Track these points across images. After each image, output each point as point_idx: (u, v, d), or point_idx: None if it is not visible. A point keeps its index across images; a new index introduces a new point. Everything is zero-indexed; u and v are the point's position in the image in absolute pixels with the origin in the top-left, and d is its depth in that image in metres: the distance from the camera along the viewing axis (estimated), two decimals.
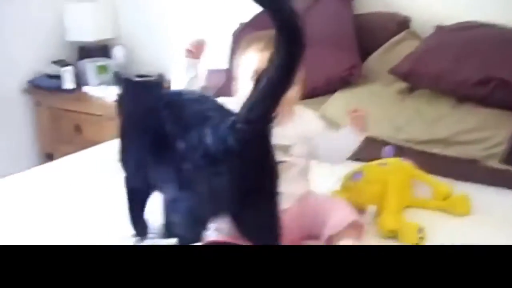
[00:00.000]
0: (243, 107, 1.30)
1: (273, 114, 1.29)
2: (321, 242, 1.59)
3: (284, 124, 1.63)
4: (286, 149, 1.60)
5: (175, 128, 1.42)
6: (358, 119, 1.65)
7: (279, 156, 1.56)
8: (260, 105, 1.28)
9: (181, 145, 1.38)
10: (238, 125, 1.29)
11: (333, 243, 1.55)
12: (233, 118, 1.31)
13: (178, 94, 1.60)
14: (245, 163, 1.31)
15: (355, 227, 1.56)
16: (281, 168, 1.56)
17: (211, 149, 1.30)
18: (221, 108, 1.42)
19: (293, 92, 1.60)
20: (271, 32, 1.57)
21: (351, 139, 1.67)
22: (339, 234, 1.54)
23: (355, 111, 1.65)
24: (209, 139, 1.32)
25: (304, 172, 1.67)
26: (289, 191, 1.61)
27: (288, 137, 1.61)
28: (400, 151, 2.08)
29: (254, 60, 1.59)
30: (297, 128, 1.64)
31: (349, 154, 1.70)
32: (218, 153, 1.30)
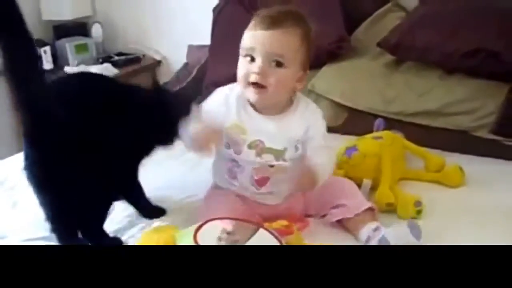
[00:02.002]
0: None
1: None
2: (327, 221, 1.59)
3: (285, 114, 1.57)
4: (279, 153, 1.55)
5: None
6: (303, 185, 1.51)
7: (271, 161, 1.54)
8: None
9: None
10: None
11: (345, 225, 1.57)
12: None
13: None
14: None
15: (368, 211, 1.56)
16: (273, 171, 1.56)
17: None
18: None
19: (290, 78, 1.52)
20: (270, 10, 1.53)
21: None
22: (353, 218, 1.54)
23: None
24: None
25: (297, 171, 1.57)
26: (281, 190, 1.60)
27: (281, 141, 1.55)
28: (391, 123, 2.09)
29: (244, 38, 1.53)
30: (293, 129, 1.56)
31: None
32: None
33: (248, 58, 1.49)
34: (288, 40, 1.47)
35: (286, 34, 1.46)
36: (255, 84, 1.48)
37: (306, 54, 1.52)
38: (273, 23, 1.47)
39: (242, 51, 1.51)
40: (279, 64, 1.47)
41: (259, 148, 1.54)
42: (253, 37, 1.49)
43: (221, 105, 1.56)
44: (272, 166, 1.55)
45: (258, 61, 1.47)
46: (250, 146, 1.54)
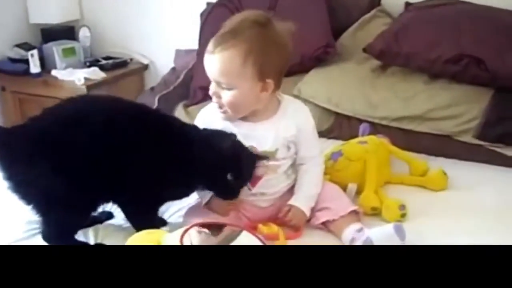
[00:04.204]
0: None
1: None
2: (312, 224, 1.62)
3: (274, 117, 1.60)
4: (271, 154, 1.58)
5: None
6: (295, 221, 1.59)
7: (264, 162, 1.56)
8: None
9: None
10: None
11: (329, 228, 1.59)
12: None
13: None
14: None
15: (353, 214, 1.59)
16: (265, 171, 1.58)
17: None
18: None
19: (243, 96, 1.52)
20: (225, 29, 1.51)
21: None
22: (338, 220, 1.56)
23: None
24: None
25: (290, 170, 1.65)
26: (274, 191, 1.63)
27: (272, 142, 1.58)
28: (376, 128, 2.11)
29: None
30: (283, 129, 1.59)
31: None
32: None
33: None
34: (223, 65, 1.48)
35: (221, 59, 1.48)
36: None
37: (263, 62, 1.49)
38: (213, 47, 1.49)
39: None
40: (226, 87, 1.50)
41: None
42: (205, 61, 1.53)
43: (204, 121, 1.61)
44: (264, 166, 1.58)
45: (212, 84, 1.53)
46: None
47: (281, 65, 1.56)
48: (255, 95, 1.53)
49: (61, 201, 1.42)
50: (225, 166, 1.46)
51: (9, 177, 1.42)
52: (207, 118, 1.62)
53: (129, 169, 1.43)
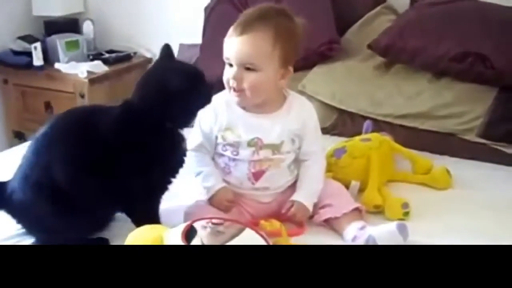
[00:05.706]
0: None
1: None
2: (315, 221, 1.61)
3: (280, 111, 1.62)
4: (276, 147, 1.59)
5: None
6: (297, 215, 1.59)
7: (268, 155, 1.57)
8: None
9: None
10: None
11: (332, 225, 1.58)
12: None
13: None
14: None
15: (356, 211, 1.58)
16: (269, 164, 1.59)
17: None
18: None
19: (266, 80, 1.55)
20: (247, 11, 1.56)
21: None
22: (340, 218, 1.56)
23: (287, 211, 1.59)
24: None
25: (293, 165, 1.65)
26: (277, 185, 1.63)
27: (278, 134, 1.59)
28: (379, 126, 2.10)
29: (224, 45, 1.57)
30: (289, 122, 1.61)
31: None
32: None
33: (228, 65, 1.56)
34: (256, 45, 1.51)
35: (253, 40, 1.51)
36: (234, 88, 1.55)
37: (287, 50, 1.54)
38: (242, 29, 1.52)
39: (224, 58, 1.57)
40: (251, 69, 1.52)
41: (258, 146, 1.58)
42: (228, 45, 1.55)
43: (210, 112, 1.60)
44: (268, 159, 1.59)
45: (234, 67, 1.53)
46: (249, 144, 1.57)
47: (297, 56, 1.62)
48: (276, 81, 1.57)
49: (66, 232, 1.46)
50: (188, 99, 1.44)
51: (18, 222, 1.52)
52: (216, 109, 1.61)
53: (121, 174, 1.44)
